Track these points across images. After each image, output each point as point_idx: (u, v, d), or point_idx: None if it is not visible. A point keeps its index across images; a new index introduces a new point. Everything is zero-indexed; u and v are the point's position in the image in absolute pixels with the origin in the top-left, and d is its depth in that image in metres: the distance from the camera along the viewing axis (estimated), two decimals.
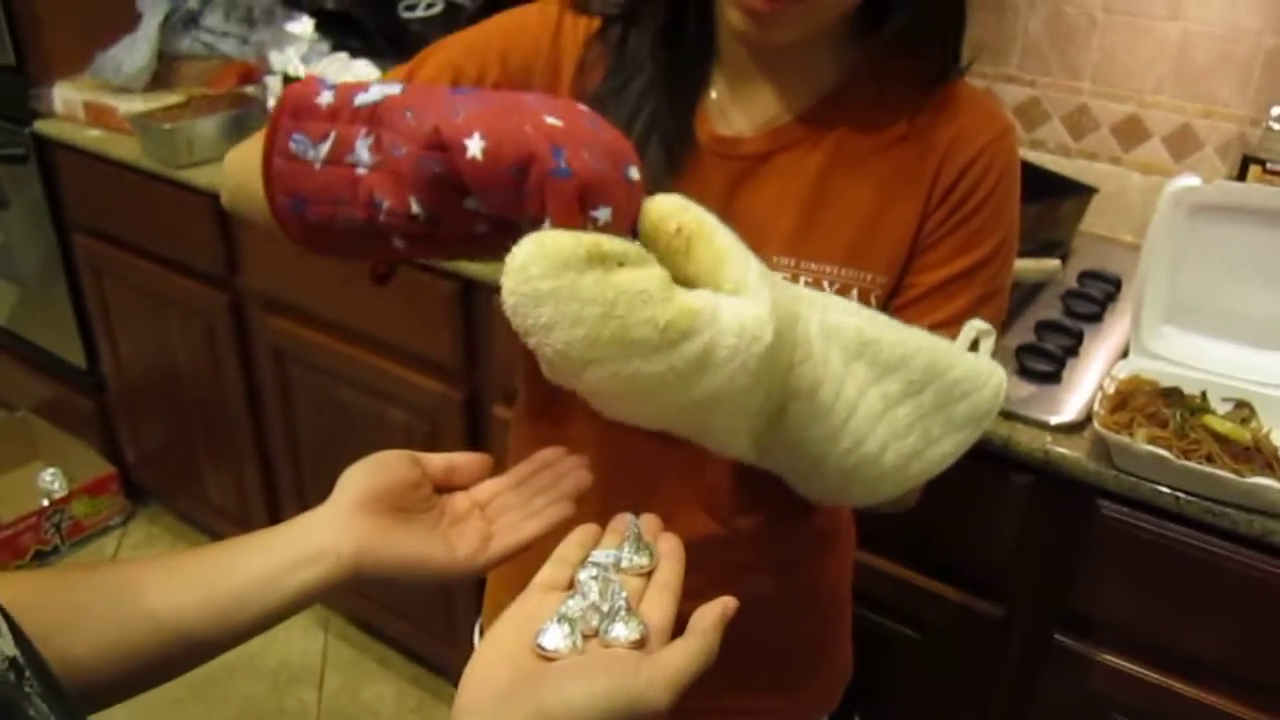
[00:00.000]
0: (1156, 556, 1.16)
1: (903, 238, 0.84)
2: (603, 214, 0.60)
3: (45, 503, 2.51)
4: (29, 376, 2.70)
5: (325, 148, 0.66)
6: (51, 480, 2.62)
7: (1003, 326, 0.90)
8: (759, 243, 0.83)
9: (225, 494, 2.39)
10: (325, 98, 0.67)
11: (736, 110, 0.87)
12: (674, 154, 0.84)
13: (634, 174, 0.62)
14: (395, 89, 0.66)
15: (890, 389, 0.74)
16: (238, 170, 0.84)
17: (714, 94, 0.87)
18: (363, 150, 0.65)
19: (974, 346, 0.79)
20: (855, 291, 0.84)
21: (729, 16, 0.78)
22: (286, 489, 2.24)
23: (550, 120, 0.60)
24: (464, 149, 0.59)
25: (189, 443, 2.39)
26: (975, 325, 0.79)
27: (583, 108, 0.64)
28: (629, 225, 0.62)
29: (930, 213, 0.84)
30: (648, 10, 0.85)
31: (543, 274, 0.58)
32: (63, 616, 0.59)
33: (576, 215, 0.59)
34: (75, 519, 2.55)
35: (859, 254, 0.84)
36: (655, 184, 0.83)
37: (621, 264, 0.60)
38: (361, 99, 0.65)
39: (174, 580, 0.64)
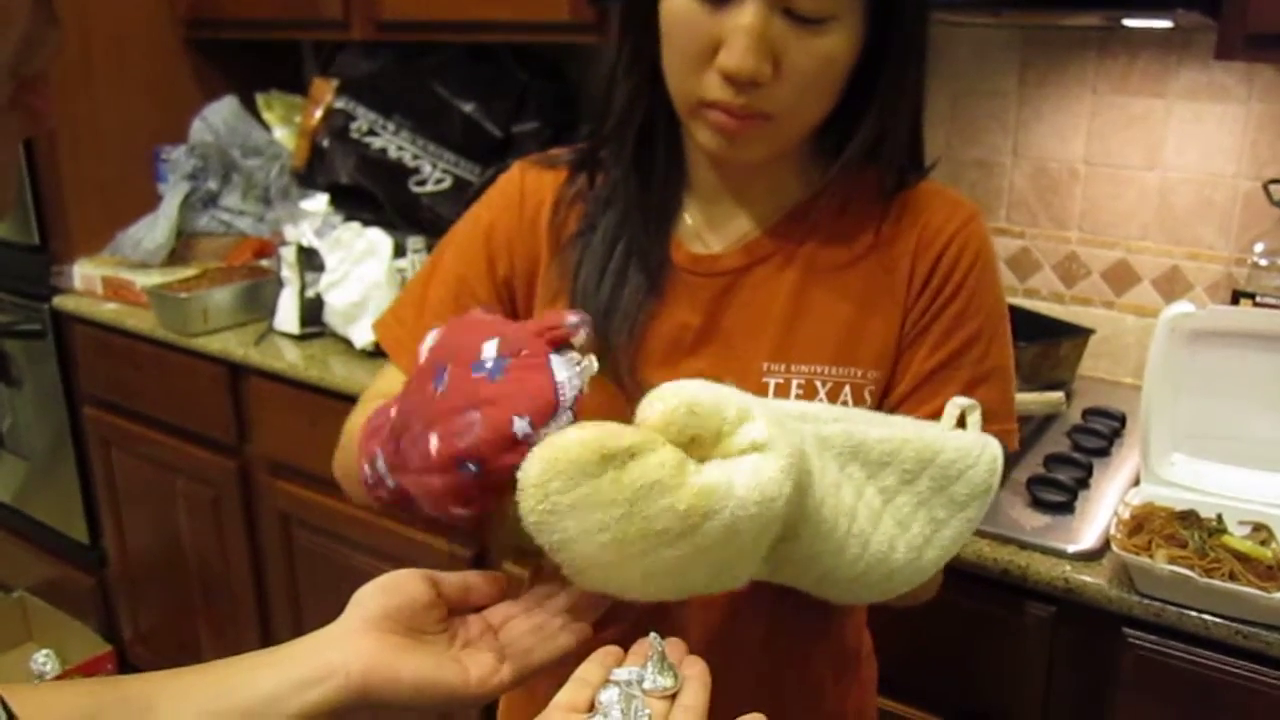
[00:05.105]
0: (1189, 685, 1.12)
1: (887, 339, 0.87)
2: (520, 425, 0.62)
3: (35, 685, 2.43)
4: (29, 555, 2.67)
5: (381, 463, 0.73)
6: (44, 662, 2.53)
7: (1018, 421, 0.90)
8: (748, 352, 0.86)
9: None
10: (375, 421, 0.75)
11: (710, 232, 0.90)
12: (654, 277, 0.88)
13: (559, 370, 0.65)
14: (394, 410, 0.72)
15: (886, 483, 0.75)
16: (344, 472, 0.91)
17: (688, 219, 0.91)
18: (413, 454, 0.70)
19: (963, 424, 0.80)
20: (848, 388, 0.85)
21: (698, 137, 0.82)
22: None
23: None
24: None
25: (189, 617, 2.34)
26: (959, 402, 0.80)
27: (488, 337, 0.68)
28: (550, 403, 0.63)
29: (909, 309, 0.87)
30: (613, 148, 0.90)
31: (562, 488, 0.59)
32: None
33: (504, 442, 0.62)
34: None
35: (846, 353, 0.86)
36: (638, 307, 0.87)
37: (632, 455, 0.60)
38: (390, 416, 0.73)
39: (183, 696, 0.63)
